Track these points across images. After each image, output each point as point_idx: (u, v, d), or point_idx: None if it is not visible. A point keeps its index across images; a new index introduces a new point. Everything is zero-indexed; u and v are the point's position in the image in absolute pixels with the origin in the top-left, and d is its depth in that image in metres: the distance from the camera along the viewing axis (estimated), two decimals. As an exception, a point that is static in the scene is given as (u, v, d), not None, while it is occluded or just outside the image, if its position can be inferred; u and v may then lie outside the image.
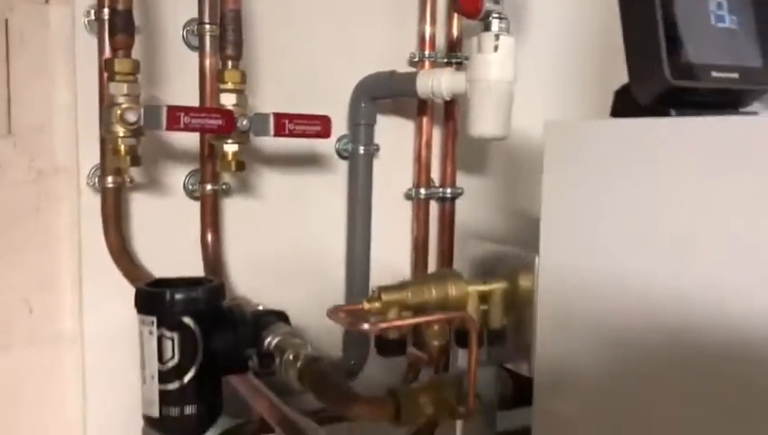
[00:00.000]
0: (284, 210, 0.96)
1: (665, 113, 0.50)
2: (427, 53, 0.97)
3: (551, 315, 0.52)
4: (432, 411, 0.53)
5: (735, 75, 0.50)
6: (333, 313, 0.52)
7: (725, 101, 0.52)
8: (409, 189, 1.03)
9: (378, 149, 0.98)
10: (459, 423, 0.56)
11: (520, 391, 0.55)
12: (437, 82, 0.84)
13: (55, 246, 0.90)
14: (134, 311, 0.69)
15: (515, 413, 0.56)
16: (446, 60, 0.99)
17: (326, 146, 0.97)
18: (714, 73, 0.49)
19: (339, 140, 0.98)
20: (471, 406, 0.51)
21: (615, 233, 0.48)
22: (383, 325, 0.50)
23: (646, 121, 0.48)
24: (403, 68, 0.98)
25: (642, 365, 0.46)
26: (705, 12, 0.49)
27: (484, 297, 0.55)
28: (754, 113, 0.54)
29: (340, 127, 0.97)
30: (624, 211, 0.48)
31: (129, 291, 0.71)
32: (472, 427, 0.56)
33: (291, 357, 0.60)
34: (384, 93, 0.95)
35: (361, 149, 0.95)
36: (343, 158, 0.98)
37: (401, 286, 0.54)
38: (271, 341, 0.64)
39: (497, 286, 0.55)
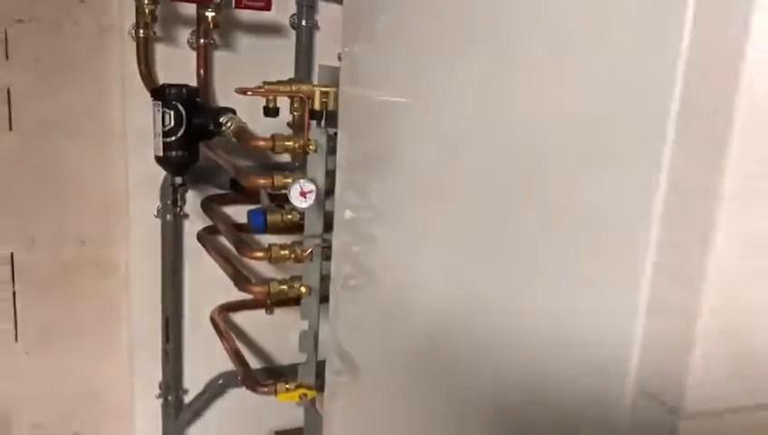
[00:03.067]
0: (254, 61, 1.48)
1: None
2: (351, -42, 1.45)
3: (347, 106, 1.04)
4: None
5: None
6: (237, 90, 1.04)
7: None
8: (340, 54, 1.53)
9: (317, 24, 1.49)
10: (308, 161, 1.09)
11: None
12: (344, -22, 1.33)
13: (110, 77, 1.46)
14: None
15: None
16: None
17: (283, 19, 1.48)
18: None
19: (291, 16, 1.48)
20: (306, 145, 1.04)
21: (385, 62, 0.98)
22: (256, 92, 1.03)
23: None
24: (336, -32, 1.46)
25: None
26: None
27: (325, 93, 1.07)
28: None
29: (293, 6, 1.48)
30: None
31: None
32: (314, 165, 1.09)
33: (230, 124, 1.15)
34: (319, -16, 1.45)
35: (304, 22, 1.46)
36: (293, 28, 1.49)
37: (278, 83, 1.07)
38: (224, 119, 1.18)
39: (333, 89, 1.07)
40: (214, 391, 1.58)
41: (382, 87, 0.96)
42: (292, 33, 1.50)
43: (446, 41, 0.77)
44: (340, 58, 1.55)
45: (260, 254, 1.12)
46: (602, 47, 0.51)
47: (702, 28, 0.43)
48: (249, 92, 1.02)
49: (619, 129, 0.49)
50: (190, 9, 1.39)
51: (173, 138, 1.18)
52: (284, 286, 1.13)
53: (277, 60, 1.50)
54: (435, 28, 0.80)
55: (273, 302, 1.44)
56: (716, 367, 0.46)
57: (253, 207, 1.17)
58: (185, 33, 1.42)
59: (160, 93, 1.17)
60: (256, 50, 1.48)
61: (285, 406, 1.58)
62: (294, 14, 1.48)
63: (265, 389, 1.18)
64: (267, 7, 1.30)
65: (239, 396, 1.61)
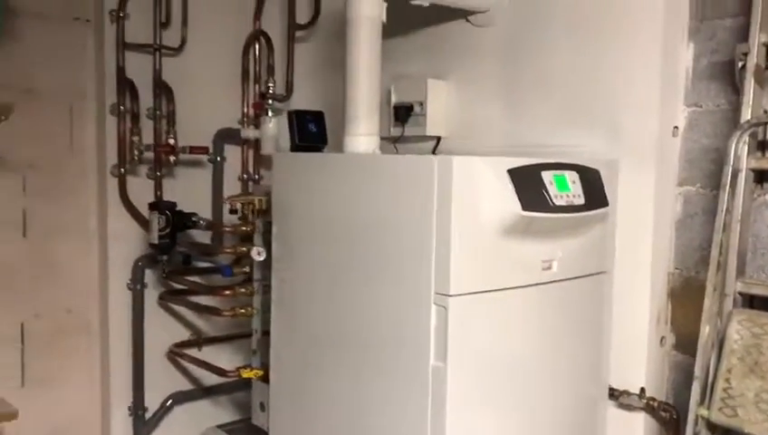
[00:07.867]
0: (187, 183, 2.32)
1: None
2: (245, 119, 2.39)
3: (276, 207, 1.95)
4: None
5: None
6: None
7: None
8: (239, 176, 2.44)
9: (225, 159, 2.39)
10: (254, 238, 1.96)
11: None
12: (247, 134, 2.27)
13: (88, 199, 2.21)
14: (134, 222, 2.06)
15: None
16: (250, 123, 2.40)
17: (204, 157, 2.36)
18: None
19: (209, 154, 2.37)
20: (254, 229, 1.92)
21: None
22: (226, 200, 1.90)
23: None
24: (236, 124, 2.38)
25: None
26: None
27: (261, 200, 1.96)
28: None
29: (210, 148, 2.37)
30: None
31: (129, 217, 2.10)
32: (258, 239, 1.97)
33: (201, 221, 1.99)
34: (227, 135, 2.36)
35: (218, 159, 2.36)
36: (211, 162, 2.38)
37: (236, 195, 1.94)
38: (195, 218, 2.01)
39: (265, 197, 1.97)
40: (167, 407, 2.30)
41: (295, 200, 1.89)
42: (210, 166, 2.38)
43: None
44: (239, 178, 2.46)
45: (228, 292, 1.96)
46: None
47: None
48: (225, 201, 1.89)
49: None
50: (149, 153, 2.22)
51: (164, 232, 1.99)
52: (243, 310, 1.97)
53: (201, 182, 2.36)
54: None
55: (203, 340, 2.27)
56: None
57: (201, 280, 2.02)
58: (144, 169, 2.24)
59: (156, 206, 1.99)
60: (188, 176, 2.34)
61: (214, 412, 2.37)
62: (211, 153, 2.37)
63: (232, 373, 1.98)
64: (206, 152, 2.19)
65: (184, 409, 2.34)
